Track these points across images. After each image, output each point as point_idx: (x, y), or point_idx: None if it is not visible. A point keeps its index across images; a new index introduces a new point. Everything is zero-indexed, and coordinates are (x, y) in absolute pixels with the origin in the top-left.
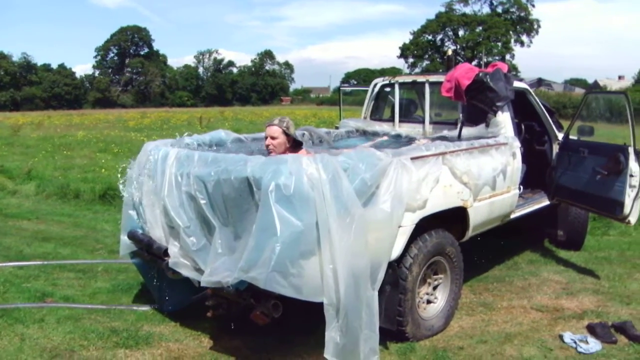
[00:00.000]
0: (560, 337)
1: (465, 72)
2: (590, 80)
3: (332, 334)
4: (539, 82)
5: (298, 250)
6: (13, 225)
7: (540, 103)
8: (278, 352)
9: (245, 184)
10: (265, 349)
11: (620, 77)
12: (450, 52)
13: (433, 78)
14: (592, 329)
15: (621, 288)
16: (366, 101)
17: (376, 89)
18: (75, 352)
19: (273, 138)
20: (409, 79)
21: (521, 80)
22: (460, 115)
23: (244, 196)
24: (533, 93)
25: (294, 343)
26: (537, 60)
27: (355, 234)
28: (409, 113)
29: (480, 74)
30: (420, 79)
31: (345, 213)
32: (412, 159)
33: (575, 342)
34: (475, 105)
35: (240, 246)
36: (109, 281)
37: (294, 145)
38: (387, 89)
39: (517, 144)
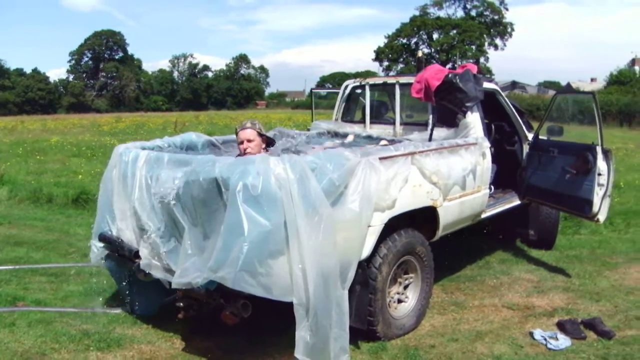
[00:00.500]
0: (531, 334)
1: (434, 73)
2: (564, 83)
3: (302, 334)
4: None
5: (266, 250)
6: None
7: (510, 104)
8: (250, 352)
9: (214, 184)
10: (237, 349)
11: (592, 80)
12: (420, 54)
13: (403, 79)
14: (562, 326)
15: (591, 285)
16: (337, 103)
17: (347, 91)
18: (47, 355)
19: (249, 141)
20: (379, 80)
21: (491, 81)
22: (431, 116)
23: (213, 197)
24: (503, 94)
25: (265, 343)
26: (511, 63)
27: (324, 234)
28: (380, 114)
29: (450, 75)
30: (391, 80)
31: (314, 213)
32: (380, 158)
33: (545, 339)
34: (445, 106)
35: (209, 246)
36: (81, 284)
37: (268, 144)
38: (358, 91)
39: (486, 144)
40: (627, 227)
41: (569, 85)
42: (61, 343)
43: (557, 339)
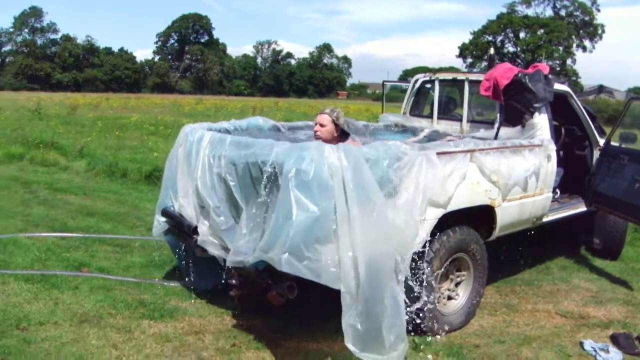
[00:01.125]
0: (581, 344)
1: (504, 72)
2: None
3: (350, 321)
4: (600, 89)
5: (314, 235)
6: (61, 199)
7: (582, 107)
8: (295, 334)
9: (271, 167)
10: (283, 330)
11: None
12: (492, 51)
13: (473, 76)
14: (615, 339)
15: None
16: (406, 97)
17: (417, 85)
18: (103, 319)
19: (322, 125)
20: (449, 76)
21: (564, 83)
22: (498, 115)
23: (269, 179)
24: (575, 96)
25: (312, 326)
26: (600, 66)
27: (376, 224)
28: (448, 110)
29: (519, 74)
30: (460, 77)
31: (367, 202)
32: (438, 154)
33: (595, 350)
34: (513, 105)
35: (262, 227)
36: (144, 257)
37: (342, 135)
38: (428, 86)
39: (552, 147)
40: None
41: None
42: (118, 309)
43: (607, 351)
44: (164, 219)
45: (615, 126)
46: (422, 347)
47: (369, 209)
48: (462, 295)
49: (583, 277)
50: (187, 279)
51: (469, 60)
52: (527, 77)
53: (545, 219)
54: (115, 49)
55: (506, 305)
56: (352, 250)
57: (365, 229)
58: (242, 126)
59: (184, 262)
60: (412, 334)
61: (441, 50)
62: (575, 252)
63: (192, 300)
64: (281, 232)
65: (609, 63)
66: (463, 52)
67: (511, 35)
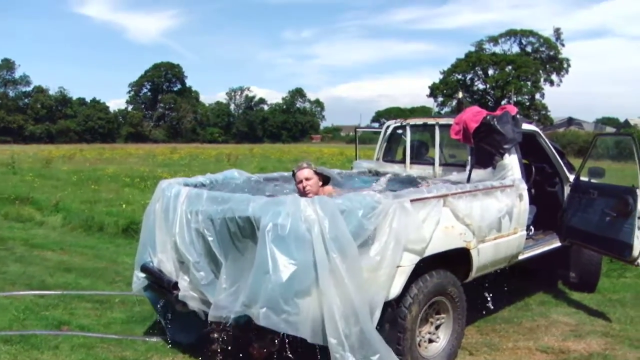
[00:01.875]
0: None
1: (473, 115)
2: (622, 119)
3: None
4: (569, 121)
5: (292, 289)
6: (38, 255)
7: (550, 145)
8: None
9: (248, 222)
10: None
11: None
12: (460, 95)
13: (443, 121)
14: None
15: (632, 331)
16: (379, 142)
17: (389, 131)
18: None
19: (307, 179)
20: (419, 121)
21: (531, 122)
22: (469, 157)
23: (247, 234)
24: (543, 135)
25: None
26: (568, 99)
27: (353, 275)
28: (420, 154)
29: (488, 117)
30: (431, 121)
31: (343, 254)
32: (411, 201)
33: None
34: (483, 147)
35: (243, 282)
36: (125, 312)
37: (324, 182)
38: (399, 131)
39: (523, 186)
40: None
41: (626, 122)
42: None
43: None
44: (143, 274)
45: (583, 161)
46: None
47: (346, 260)
48: (442, 338)
49: (562, 311)
50: (168, 334)
51: (440, 99)
52: (495, 119)
53: (520, 257)
54: (88, 99)
55: (487, 345)
56: (330, 301)
57: (344, 280)
58: (218, 180)
59: (164, 317)
60: None
61: (413, 89)
62: (553, 287)
63: (175, 355)
64: (260, 286)
65: (576, 95)
66: (434, 91)
67: (480, 72)
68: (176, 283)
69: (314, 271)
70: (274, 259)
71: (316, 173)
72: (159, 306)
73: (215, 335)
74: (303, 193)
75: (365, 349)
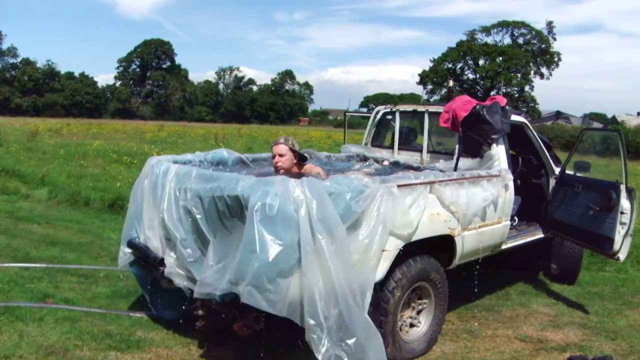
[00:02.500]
0: None
1: (462, 104)
2: (610, 115)
3: (327, 354)
4: (557, 115)
5: (276, 268)
6: (23, 228)
7: (538, 137)
8: None
9: (236, 201)
10: (248, 358)
11: (639, 113)
12: (451, 83)
13: (433, 108)
14: None
15: (609, 324)
16: (368, 127)
17: (378, 116)
18: (69, 351)
19: (281, 155)
20: (409, 108)
21: (520, 113)
22: (457, 146)
23: (235, 213)
24: (531, 127)
25: (278, 355)
26: (557, 92)
27: (340, 256)
28: (408, 141)
29: (477, 107)
30: (421, 108)
31: (329, 236)
32: (399, 186)
33: None
34: (471, 136)
35: (230, 260)
36: (109, 287)
37: (300, 160)
38: (389, 117)
39: (509, 177)
40: None
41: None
42: (84, 341)
43: None
44: (129, 250)
45: (569, 155)
46: None
47: (333, 241)
48: (423, 323)
49: (541, 302)
50: (152, 310)
51: (429, 87)
52: (484, 109)
53: (503, 247)
54: (77, 73)
55: (467, 331)
56: (315, 283)
57: (329, 261)
58: (206, 158)
59: (149, 293)
60: None
61: (402, 76)
62: (534, 278)
63: (159, 331)
64: (247, 264)
65: (565, 89)
66: (423, 79)
67: (470, 62)
68: (162, 259)
69: (298, 252)
70: (260, 238)
71: (292, 150)
72: (144, 282)
73: (200, 312)
74: (275, 168)
75: (343, 332)
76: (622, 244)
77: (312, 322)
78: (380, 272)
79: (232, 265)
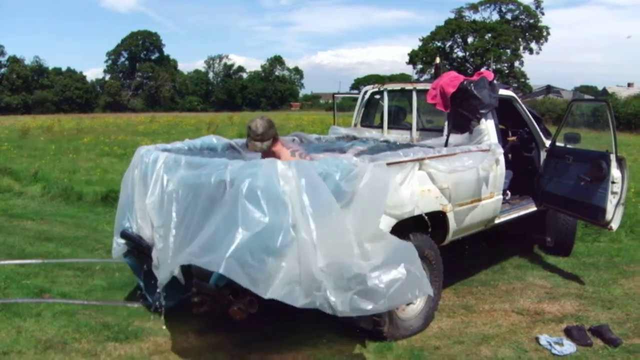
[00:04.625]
0: (537, 339)
1: (450, 80)
2: (601, 87)
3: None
4: (548, 89)
5: (261, 245)
6: (17, 225)
7: (527, 110)
8: (259, 348)
9: (224, 186)
10: (247, 344)
11: (629, 85)
12: (438, 60)
13: (420, 86)
14: (568, 332)
15: (604, 293)
16: (356, 108)
17: (366, 96)
18: (68, 344)
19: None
20: (397, 86)
21: (508, 87)
22: (446, 122)
23: (222, 196)
24: (520, 100)
25: (275, 339)
26: (548, 67)
27: (330, 237)
28: (397, 120)
29: (465, 82)
30: (408, 86)
31: (319, 216)
32: (388, 164)
33: (550, 344)
34: (460, 112)
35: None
36: (105, 279)
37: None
38: (377, 96)
39: (500, 151)
40: None
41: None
42: (82, 333)
43: (562, 344)
44: (123, 240)
45: (559, 127)
46: (384, 352)
47: (323, 222)
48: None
49: (537, 274)
50: (149, 299)
51: (419, 66)
52: (472, 84)
53: (497, 221)
54: (65, 69)
55: (464, 307)
56: (305, 263)
57: (320, 241)
58: (196, 145)
59: (144, 282)
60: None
61: (392, 57)
62: (529, 251)
63: (156, 320)
64: (225, 237)
65: (555, 64)
66: (413, 59)
67: (459, 40)
68: None
69: (286, 231)
70: (244, 213)
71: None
72: (139, 272)
73: (196, 299)
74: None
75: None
76: (614, 214)
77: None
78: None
79: (201, 238)
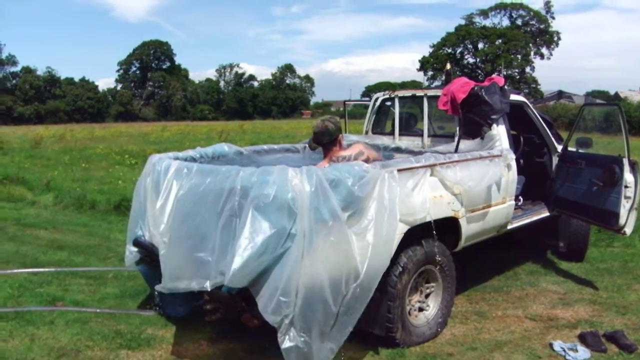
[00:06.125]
0: (550, 345)
1: (460, 86)
2: (612, 92)
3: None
4: (560, 94)
5: (268, 255)
6: (30, 234)
7: (538, 115)
8: (273, 355)
9: (235, 192)
10: (260, 351)
11: None
12: (448, 66)
13: (431, 92)
14: (583, 338)
15: (619, 299)
16: (367, 115)
17: (377, 103)
18: (81, 352)
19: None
20: (408, 93)
21: (519, 93)
22: (458, 128)
23: (233, 204)
24: (531, 106)
25: None
26: (558, 72)
27: (339, 245)
28: (409, 126)
29: (475, 88)
30: (419, 93)
31: (329, 224)
32: (399, 170)
33: (564, 350)
34: (471, 118)
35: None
36: (118, 287)
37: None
38: (388, 103)
39: (511, 156)
40: None
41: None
42: (95, 341)
43: (576, 350)
44: (135, 249)
45: (571, 132)
46: (397, 359)
47: (333, 229)
48: (432, 306)
49: (550, 280)
50: (161, 307)
51: (430, 73)
52: (483, 90)
53: (509, 227)
54: (77, 79)
55: (477, 313)
56: (313, 271)
57: (326, 249)
58: (207, 153)
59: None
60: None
61: (402, 64)
62: (542, 257)
63: (169, 328)
64: (236, 251)
65: (566, 69)
66: (424, 65)
67: (470, 46)
68: None
69: (294, 239)
70: (253, 226)
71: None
72: (152, 280)
73: (208, 306)
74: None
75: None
76: (627, 218)
77: (277, 318)
78: (387, 258)
79: (224, 255)
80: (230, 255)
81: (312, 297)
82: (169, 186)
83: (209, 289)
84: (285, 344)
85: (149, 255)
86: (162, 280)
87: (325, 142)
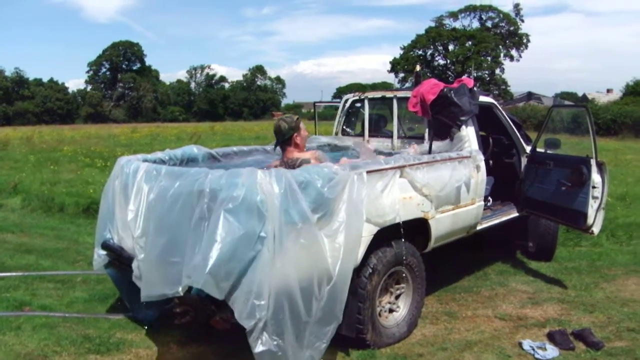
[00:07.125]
0: (520, 344)
1: (430, 88)
2: (580, 93)
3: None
4: (529, 96)
5: (238, 257)
6: None
7: (507, 117)
8: (243, 358)
9: (204, 195)
10: (230, 355)
11: (608, 90)
12: (418, 68)
13: (401, 94)
14: (551, 337)
15: (587, 297)
16: (337, 116)
17: (347, 105)
18: (48, 357)
19: None
20: (378, 94)
21: (488, 94)
22: (427, 130)
23: (202, 207)
24: (500, 107)
25: None
26: (528, 74)
27: (309, 247)
28: (378, 128)
29: (445, 89)
30: (389, 94)
31: (297, 225)
32: (368, 172)
33: (533, 349)
34: (441, 119)
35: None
36: (87, 291)
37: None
38: (358, 105)
39: (480, 157)
40: (629, 239)
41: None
42: (63, 346)
43: (545, 349)
44: (104, 252)
45: (540, 133)
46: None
47: (301, 231)
48: (402, 307)
49: (519, 280)
50: (131, 311)
51: (401, 75)
52: (452, 91)
53: (479, 227)
54: (46, 79)
55: (447, 313)
56: (282, 273)
57: (295, 251)
58: (176, 155)
59: (126, 294)
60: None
61: (374, 66)
62: (512, 257)
63: (138, 332)
64: (206, 254)
65: (536, 70)
66: (394, 67)
67: (440, 48)
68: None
69: (263, 242)
70: (224, 228)
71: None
72: (120, 283)
73: (178, 309)
74: None
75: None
76: (595, 218)
77: (251, 323)
78: (357, 259)
79: (194, 258)
80: (200, 258)
81: (284, 299)
82: (138, 189)
83: (181, 294)
84: (258, 348)
85: (117, 258)
86: (142, 289)
87: (280, 142)
